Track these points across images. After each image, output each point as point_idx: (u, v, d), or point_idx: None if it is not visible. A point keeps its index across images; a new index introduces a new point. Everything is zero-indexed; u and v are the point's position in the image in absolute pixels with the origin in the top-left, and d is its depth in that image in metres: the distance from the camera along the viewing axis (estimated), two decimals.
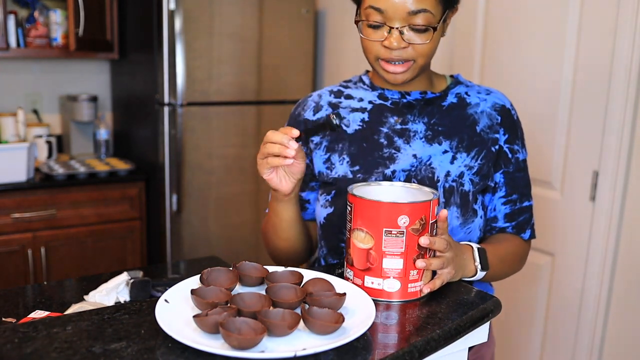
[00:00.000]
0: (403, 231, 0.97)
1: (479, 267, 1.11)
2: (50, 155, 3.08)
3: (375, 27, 1.12)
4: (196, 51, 2.79)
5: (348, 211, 1.02)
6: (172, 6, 2.69)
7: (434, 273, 1.04)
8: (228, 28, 2.86)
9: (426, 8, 1.08)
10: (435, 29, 1.10)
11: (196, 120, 2.85)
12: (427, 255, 1.00)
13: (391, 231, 0.96)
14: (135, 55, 3.07)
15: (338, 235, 1.24)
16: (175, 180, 2.86)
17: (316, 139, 1.27)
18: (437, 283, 1.02)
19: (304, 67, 3.14)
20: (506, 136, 1.24)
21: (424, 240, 0.98)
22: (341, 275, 1.06)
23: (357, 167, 1.22)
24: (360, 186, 1.07)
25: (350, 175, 1.22)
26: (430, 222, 0.99)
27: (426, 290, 1.01)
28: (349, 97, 1.29)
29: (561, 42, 2.10)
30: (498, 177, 1.24)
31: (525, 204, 1.27)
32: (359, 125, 1.25)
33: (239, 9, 2.88)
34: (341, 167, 1.23)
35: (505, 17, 2.29)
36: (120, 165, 3.00)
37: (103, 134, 3.23)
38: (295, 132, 1.06)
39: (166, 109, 2.80)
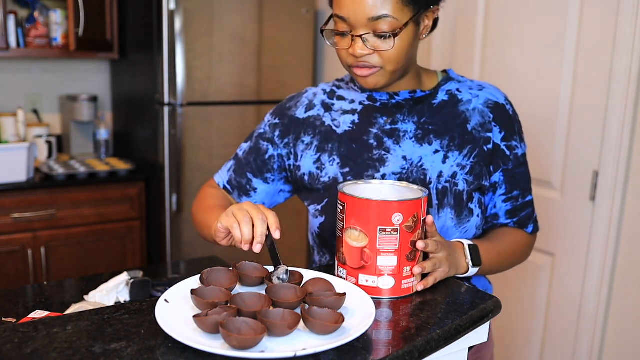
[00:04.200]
0: (397, 229, 0.98)
1: (470, 263, 1.11)
2: (50, 155, 3.08)
3: (342, 35, 1.12)
4: (196, 51, 2.79)
5: (340, 210, 1.02)
6: (172, 6, 2.69)
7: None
8: (228, 28, 2.86)
9: (387, 13, 1.06)
10: (396, 35, 1.08)
11: (196, 120, 2.85)
12: (419, 253, 1.02)
13: (385, 229, 0.97)
14: (135, 55, 3.07)
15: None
16: (175, 180, 2.86)
17: (307, 139, 1.26)
18: (430, 281, 1.03)
19: (304, 67, 3.14)
20: (502, 134, 1.22)
21: (420, 244, 1.01)
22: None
23: (347, 169, 1.21)
24: (350, 185, 1.07)
25: (340, 179, 1.21)
26: (422, 219, 1.01)
27: (420, 288, 1.03)
28: (340, 98, 1.28)
29: (561, 42, 2.10)
30: (497, 176, 1.23)
31: (527, 199, 1.26)
32: (349, 127, 1.24)
33: (239, 9, 2.88)
34: (332, 169, 1.23)
35: (505, 17, 2.29)
36: (120, 165, 3.00)
37: (103, 134, 3.23)
38: (278, 235, 0.99)
39: (166, 109, 2.80)
